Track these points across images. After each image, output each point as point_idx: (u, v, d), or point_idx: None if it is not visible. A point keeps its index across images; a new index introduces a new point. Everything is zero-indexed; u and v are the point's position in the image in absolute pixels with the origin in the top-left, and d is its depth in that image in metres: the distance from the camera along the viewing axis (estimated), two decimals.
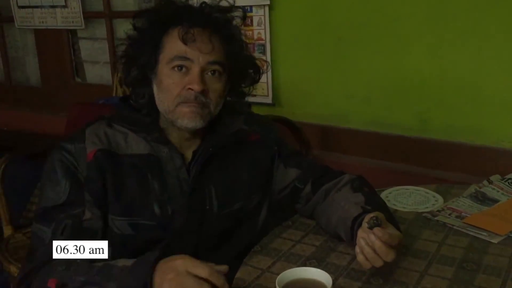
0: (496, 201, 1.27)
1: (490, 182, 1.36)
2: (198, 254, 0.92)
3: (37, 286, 0.91)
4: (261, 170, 1.17)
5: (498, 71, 1.49)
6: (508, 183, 1.35)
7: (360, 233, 0.96)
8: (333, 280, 0.97)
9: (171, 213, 1.03)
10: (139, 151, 1.06)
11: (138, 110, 1.09)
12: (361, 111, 1.73)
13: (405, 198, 1.34)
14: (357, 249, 0.95)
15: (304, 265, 1.04)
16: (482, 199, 1.29)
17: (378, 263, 0.92)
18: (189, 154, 1.09)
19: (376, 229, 0.92)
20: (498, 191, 1.32)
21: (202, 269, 0.83)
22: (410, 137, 1.62)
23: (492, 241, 1.10)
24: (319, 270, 0.88)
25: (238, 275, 1.01)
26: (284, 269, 1.01)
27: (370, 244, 0.92)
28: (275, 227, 1.20)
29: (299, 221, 1.24)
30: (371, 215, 0.95)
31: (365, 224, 0.95)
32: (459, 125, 1.55)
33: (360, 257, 0.94)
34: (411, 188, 1.40)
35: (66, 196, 1.00)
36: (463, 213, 1.22)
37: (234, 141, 1.15)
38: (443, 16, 1.53)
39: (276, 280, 0.85)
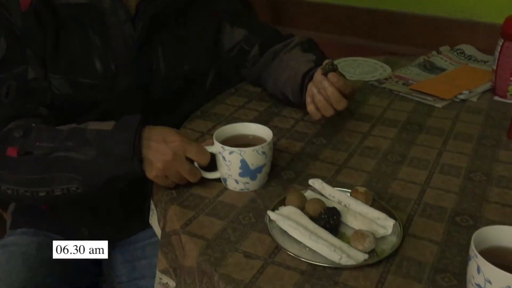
0: (443, 69, 1.25)
1: (439, 52, 1.33)
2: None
3: None
4: (209, 31, 1.08)
5: None
6: (457, 53, 1.32)
7: (311, 84, 0.91)
8: (275, 141, 0.95)
9: (114, 72, 0.93)
10: None
11: None
12: None
13: (353, 69, 1.30)
14: (308, 99, 0.90)
15: None
16: (430, 68, 1.26)
17: (329, 112, 0.88)
18: (133, 9, 0.97)
19: (330, 74, 0.86)
20: (446, 61, 1.29)
21: (191, 148, 0.77)
22: (363, 8, 1.54)
23: (437, 105, 1.09)
24: (259, 125, 0.83)
25: None
26: None
27: (322, 90, 0.87)
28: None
29: (243, 88, 1.18)
30: (327, 60, 0.89)
31: (319, 71, 0.88)
32: None
33: (310, 107, 0.89)
34: (359, 59, 1.35)
35: (4, 53, 0.86)
36: (410, 80, 1.19)
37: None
38: None
39: (214, 135, 0.80)
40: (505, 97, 1.10)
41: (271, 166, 0.83)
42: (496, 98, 1.11)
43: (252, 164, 0.76)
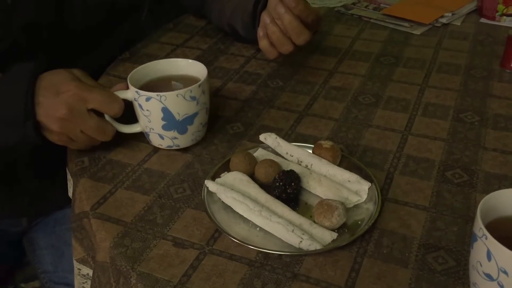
0: None
1: None
2: (54, 64, 0.65)
3: None
4: None
5: None
6: None
7: (265, 12, 0.70)
8: (221, 85, 0.76)
9: (10, 2, 0.71)
10: None
11: None
12: None
13: None
14: (259, 32, 0.70)
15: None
16: None
17: (286, 48, 0.68)
18: None
19: None
20: None
21: (94, 97, 0.57)
22: None
23: (415, 32, 0.91)
24: (190, 61, 0.64)
25: None
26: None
27: (278, 19, 0.67)
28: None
29: (183, 22, 0.97)
30: None
31: None
32: None
33: (262, 42, 0.70)
34: None
35: None
36: (382, 4, 1.00)
37: None
38: None
39: (129, 76, 0.60)
40: (493, 18, 0.93)
41: (214, 116, 0.65)
42: (483, 20, 0.94)
43: (178, 114, 0.58)
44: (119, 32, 0.87)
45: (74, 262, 0.62)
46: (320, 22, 0.73)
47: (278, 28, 0.66)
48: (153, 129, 0.60)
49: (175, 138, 0.60)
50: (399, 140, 0.63)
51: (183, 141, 0.61)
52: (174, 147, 0.61)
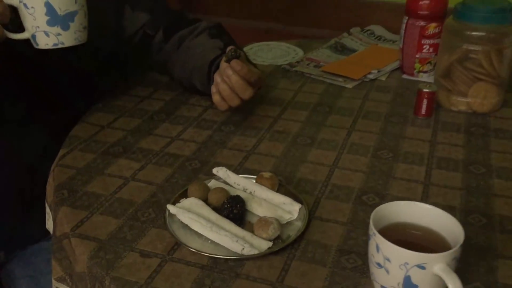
0: (354, 51, 1.25)
1: (350, 34, 1.33)
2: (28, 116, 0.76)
3: None
4: (108, 15, 1.00)
5: None
6: (367, 34, 1.33)
7: (216, 73, 0.86)
8: (182, 130, 0.89)
9: None
10: None
11: None
12: None
13: (266, 53, 1.27)
14: (213, 89, 0.85)
15: (151, 118, 0.94)
16: (341, 49, 1.26)
17: (235, 102, 0.83)
18: None
19: (234, 62, 0.81)
20: (356, 42, 1.29)
21: None
22: None
23: (347, 86, 1.08)
24: None
25: (72, 133, 0.89)
26: (128, 124, 0.91)
27: (227, 79, 0.82)
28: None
29: (150, 77, 1.11)
30: (230, 47, 0.85)
31: (223, 59, 0.84)
32: None
33: (215, 97, 0.84)
34: (272, 43, 1.32)
35: None
36: (321, 63, 1.18)
37: None
38: None
39: None
40: (412, 74, 1.11)
41: (176, 156, 0.78)
42: (404, 76, 1.13)
43: (60, 9, 0.70)
44: (92, 88, 1.00)
45: (53, 280, 0.71)
46: (262, 80, 0.89)
47: (227, 86, 0.82)
48: (38, 27, 0.71)
49: (59, 34, 0.72)
50: (327, 173, 0.77)
51: (67, 38, 0.73)
52: (60, 45, 0.72)
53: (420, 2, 1.04)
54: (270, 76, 1.13)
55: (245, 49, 1.27)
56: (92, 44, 0.95)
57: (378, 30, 1.34)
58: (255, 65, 0.95)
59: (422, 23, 1.05)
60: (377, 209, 0.55)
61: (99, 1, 0.96)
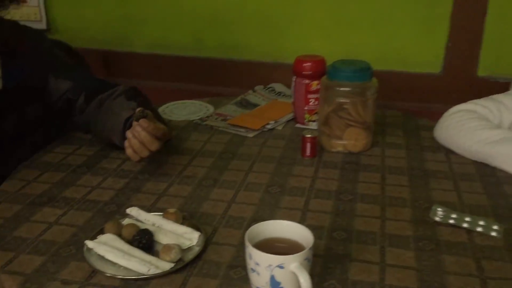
0: (257, 105, 1.45)
1: (254, 91, 1.54)
2: None
3: None
4: (34, 82, 1.13)
5: None
6: (269, 90, 1.54)
7: (129, 130, 1.01)
8: (102, 180, 1.02)
9: None
10: None
11: None
12: (141, 34, 1.76)
13: (181, 110, 1.44)
14: (126, 144, 1.00)
15: (74, 171, 1.06)
16: (246, 104, 1.45)
17: (144, 154, 0.98)
18: None
19: (141, 120, 0.97)
20: (259, 98, 1.50)
21: None
22: (188, 57, 1.72)
23: (249, 135, 1.26)
24: None
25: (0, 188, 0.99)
26: (53, 177, 1.03)
27: (137, 134, 0.97)
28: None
29: (74, 135, 1.24)
30: (138, 109, 1.01)
31: (133, 118, 1.00)
32: (230, 43, 1.69)
33: (128, 151, 0.99)
34: (187, 101, 1.50)
35: None
36: (228, 116, 1.36)
37: (2, 52, 1.09)
38: None
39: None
40: (303, 123, 1.31)
41: (93, 202, 0.91)
42: (298, 125, 1.33)
43: None
44: (19, 144, 1.11)
45: None
46: (168, 134, 1.06)
47: (137, 141, 0.97)
48: None
49: None
50: (225, 207, 0.93)
51: None
52: None
53: (304, 64, 1.26)
54: (183, 130, 1.30)
55: (162, 107, 1.44)
56: (21, 109, 1.08)
57: (278, 87, 1.56)
58: (165, 122, 1.12)
59: (306, 81, 1.27)
60: (251, 228, 0.70)
61: (27, 69, 1.10)
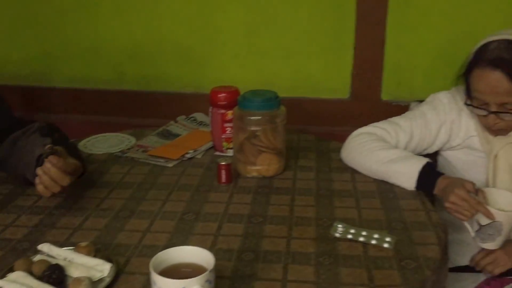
0: (178, 135, 1.49)
1: (176, 121, 1.58)
2: None
3: None
4: None
5: (175, 25, 1.72)
6: (190, 120, 1.59)
7: (39, 168, 1.02)
8: (14, 219, 1.02)
9: None
10: None
11: None
12: (61, 69, 1.77)
13: (102, 143, 1.45)
14: (36, 180, 1.01)
15: None
16: (167, 135, 1.49)
17: (56, 189, 0.99)
18: None
19: (51, 157, 0.99)
20: (181, 128, 1.54)
21: None
22: (110, 90, 1.74)
23: (168, 165, 1.30)
24: None
25: None
26: None
27: (47, 171, 0.99)
28: None
29: None
30: (47, 146, 1.02)
31: (44, 155, 1.01)
32: (151, 75, 1.74)
33: (39, 187, 1.00)
34: (109, 134, 1.52)
35: None
36: (149, 148, 1.40)
37: None
38: None
39: None
40: (222, 151, 1.37)
41: (5, 240, 0.91)
42: (217, 153, 1.38)
43: None
44: None
45: None
46: (80, 169, 1.08)
47: (48, 177, 0.99)
48: None
49: None
50: (140, 237, 0.95)
51: None
52: None
53: (219, 95, 1.33)
54: (104, 163, 1.31)
55: (83, 141, 1.45)
56: None
57: (200, 116, 1.61)
58: (80, 156, 1.14)
59: (222, 111, 1.33)
60: (156, 255, 0.74)
61: None
